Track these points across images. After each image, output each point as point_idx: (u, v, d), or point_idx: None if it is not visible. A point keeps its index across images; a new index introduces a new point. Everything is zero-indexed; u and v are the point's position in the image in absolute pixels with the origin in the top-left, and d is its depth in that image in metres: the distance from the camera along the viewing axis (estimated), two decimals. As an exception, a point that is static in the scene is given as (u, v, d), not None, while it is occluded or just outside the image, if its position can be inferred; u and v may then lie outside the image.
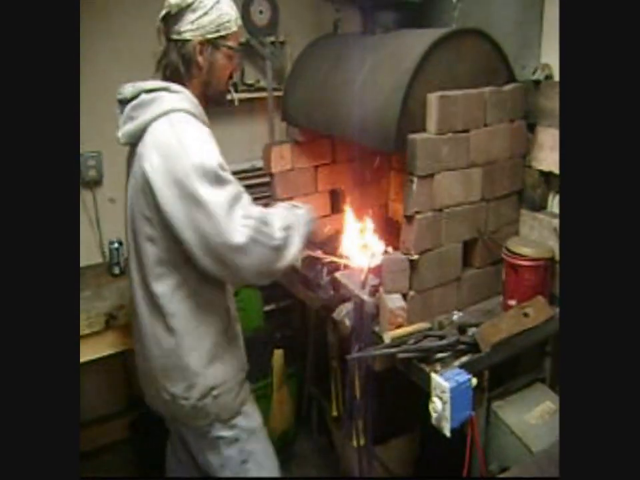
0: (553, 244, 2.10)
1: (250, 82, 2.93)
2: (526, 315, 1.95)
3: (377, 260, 2.05)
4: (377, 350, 1.85)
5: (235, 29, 1.71)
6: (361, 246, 2.26)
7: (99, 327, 2.30)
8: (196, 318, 1.74)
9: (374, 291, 2.02)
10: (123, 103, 1.67)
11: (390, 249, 2.14)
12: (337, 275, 2.16)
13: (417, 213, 1.91)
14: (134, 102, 1.63)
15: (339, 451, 2.65)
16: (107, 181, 2.74)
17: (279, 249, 1.65)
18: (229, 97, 1.92)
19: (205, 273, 1.64)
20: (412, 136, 1.87)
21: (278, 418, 2.78)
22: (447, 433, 1.70)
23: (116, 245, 2.61)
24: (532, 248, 2.04)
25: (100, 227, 2.76)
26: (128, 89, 1.66)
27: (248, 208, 1.60)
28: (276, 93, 2.87)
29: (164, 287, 1.69)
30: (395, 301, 1.94)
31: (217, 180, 1.53)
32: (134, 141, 1.63)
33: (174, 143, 1.54)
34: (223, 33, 1.68)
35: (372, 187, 2.84)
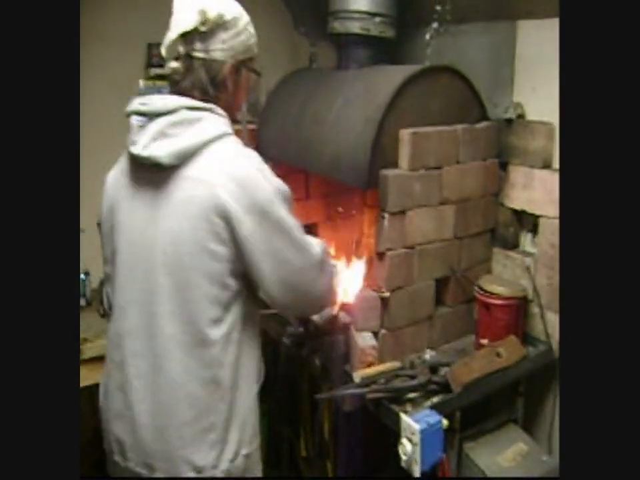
0: (526, 283, 2.09)
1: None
2: (498, 354, 1.92)
3: (350, 297, 2.02)
4: (345, 389, 1.81)
5: (256, 50, 1.61)
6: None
7: (62, 362, 2.22)
8: (241, 365, 1.53)
9: (345, 329, 1.98)
10: (148, 115, 1.42)
11: (362, 287, 2.11)
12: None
13: (389, 249, 1.89)
14: (174, 117, 1.40)
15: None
16: (76, 212, 2.69)
17: (336, 275, 1.72)
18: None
19: (260, 306, 1.58)
20: (384, 172, 1.86)
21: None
22: (417, 476, 1.66)
23: (82, 276, 2.55)
24: (505, 287, 2.02)
25: (67, 258, 2.69)
26: (160, 101, 1.43)
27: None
28: (250, 126, 2.85)
29: (219, 331, 1.46)
30: (365, 339, 1.90)
31: (290, 205, 1.49)
32: (181, 162, 1.40)
33: (253, 171, 1.42)
34: (249, 55, 1.57)
35: (346, 223, 2.82)
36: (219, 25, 1.45)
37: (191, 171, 1.40)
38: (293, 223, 1.46)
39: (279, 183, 1.47)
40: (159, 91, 2.52)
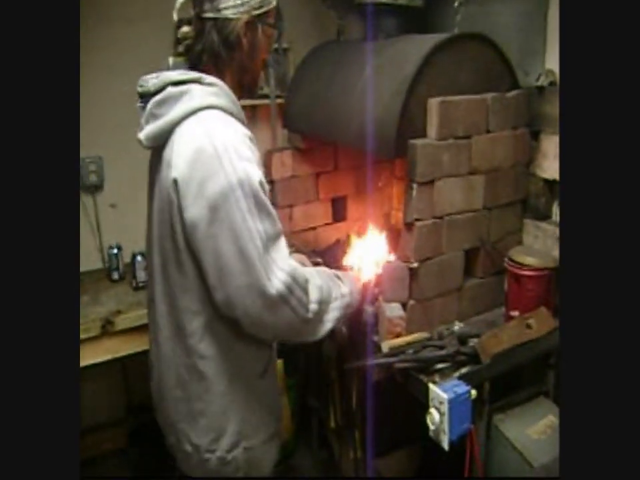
0: (557, 254, 2.05)
1: (253, 89, 2.91)
2: (528, 326, 1.90)
3: (380, 269, 2.01)
4: (374, 359, 1.81)
5: (275, 3, 1.48)
6: (364, 255, 2.23)
7: (96, 332, 2.28)
8: (230, 360, 1.47)
9: (373, 299, 1.98)
10: (146, 96, 1.39)
11: (392, 257, 2.10)
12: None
13: (417, 220, 1.88)
14: (158, 96, 1.35)
15: (338, 463, 2.60)
16: (107, 186, 2.73)
17: (308, 323, 1.41)
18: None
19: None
20: (412, 141, 1.84)
21: (278, 429, 2.73)
22: (445, 446, 1.66)
23: (115, 250, 2.59)
24: (535, 258, 1.99)
25: (100, 232, 2.74)
26: (151, 81, 1.38)
27: (284, 257, 1.33)
28: (279, 100, 2.85)
29: (196, 322, 1.42)
30: (393, 310, 1.90)
31: (256, 205, 1.28)
32: (159, 143, 1.37)
33: (208, 152, 1.27)
34: (266, 9, 1.45)
35: (375, 196, 2.81)
36: None
37: (165, 151, 1.36)
38: (249, 227, 1.26)
39: (247, 172, 1.27)
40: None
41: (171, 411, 1.54)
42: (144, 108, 1.40)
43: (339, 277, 1.63)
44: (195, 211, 1.27)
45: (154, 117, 1.37)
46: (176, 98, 1.34)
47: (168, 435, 1.60)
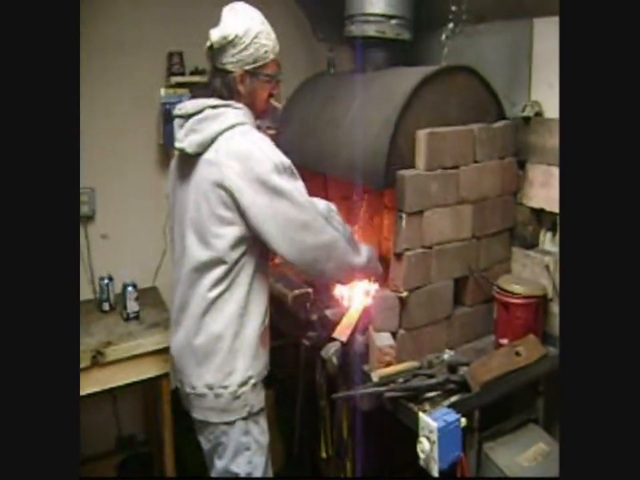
0: (545, 282, 2.07)
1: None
2: (517, 353, 1.91)
3: (370, 299, 2.03)
4: (363, 389, 1.81)
5: (271, 57, 1.83)
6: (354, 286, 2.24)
7: (86, 364, 2.27)
8: (246, 305, 1.82)
9: (363, 329, 1.99)
10: (184, 117, 1.80)
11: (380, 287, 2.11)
12: (327, 312, 2.13)
13: (407, 249, 1.90)
14: (199, 116, 1.76)
15: (330, 494, 2.57)
16: (99, 217, 2.75)
17: (350, 241, 1.86)
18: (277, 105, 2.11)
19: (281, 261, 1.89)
20: (401, 172, 1.87)
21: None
22: (436, 474, 1.66)
23: (106, 281, 2.59)
24: (524, 286, 2.01)
25: (91, 262, 2.75)
26: (190, 104, 1.80)
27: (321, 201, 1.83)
28: (270, 132, 2.87)
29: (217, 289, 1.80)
30: (383, 339, 1.91)
31: (292, 174, 1.75)
32: (202, 150, 1.75)
33: (252, 149, 1.70)
34: (260, 63, 1.80)
35: (365, 226, 2.83)
36: (226, 44, 1.75)
37: (208, 155, 1.75)
38: (292, 187, 1.72)
39: (277, 157, 1.72)
40: (179, 99, 2.56)
41: (190, 360, 1.86)
42: (182, 125, 1.80)
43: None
44: (249, 191, 1.68)
45: (194, 131, 1.76)
46: (214, 117, 1.75)
47: (183, 386, 1.91)
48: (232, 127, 1.75)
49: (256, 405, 1.89)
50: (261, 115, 1.95)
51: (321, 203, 1.83)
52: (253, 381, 1.86)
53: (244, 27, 1.75)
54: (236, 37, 1.74)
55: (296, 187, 1.74)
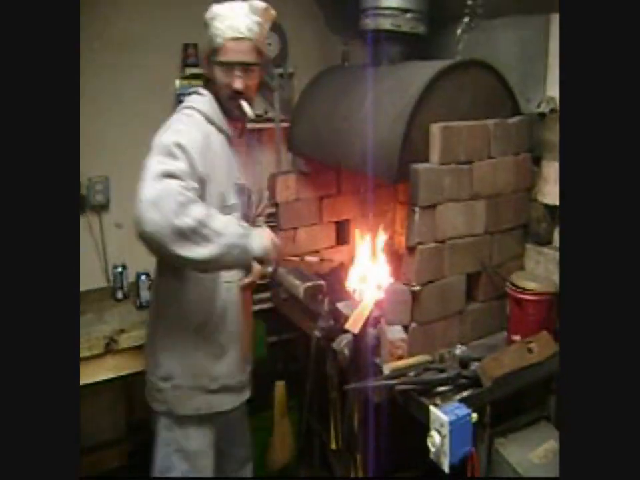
0: (558, 279, 2.07)
1: (258, 112, 2.95)
2: (530, 350, 1.91)
3: (382, 293, 2.03)
4: (375, 381, 1.82)
5: (220, 41, 1.74)
6: (366, 278, 2.24)
7: (99, 351, 2.29)
8: (172, 304, 1.84)
9: (375, 322, 1.99)
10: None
11: (393, 281, 2.11)
12: (338, 304, 2.13)
13: (419, 243, 1.90)
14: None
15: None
16: (113, 206, 2.76)
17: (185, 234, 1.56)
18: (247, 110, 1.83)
19: None
20: (414, 166, 1.86)
21: (279, 450, 2.72)
22: (446, 469, 1.66)
23: (120, 269, 2.62)
24: (537, 282, 2.01)
25: (105, 251, 2.76)
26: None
27: (187, 189, 1.57)
28: (283, 124, 2.88)
29: (157, 269, 1.89)
30: (395, 333, 1.91)
31: (168, 154, 1.60)
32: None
33: (167, 124, 1.72)
34: (214, 48, 1.76)
35: (378, 220, 2.83)
36: (205, 26, 1.77)
37: None
38: (150, 165, 1.57)
39: (172, 137, 1.63)
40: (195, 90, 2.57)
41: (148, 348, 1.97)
42: None
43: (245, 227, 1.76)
44: None
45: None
46: (185, 101, 1.83)
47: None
48: (182, 109, 1.78)
49: (180, 410, 1.87)
50: (228, 110, 1.82)
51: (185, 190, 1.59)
52: (174, 382, 1.86)
53: (210, 11, 1.76)
54: (205, 21, 1.77)
55: (156, 166, 1.56)
